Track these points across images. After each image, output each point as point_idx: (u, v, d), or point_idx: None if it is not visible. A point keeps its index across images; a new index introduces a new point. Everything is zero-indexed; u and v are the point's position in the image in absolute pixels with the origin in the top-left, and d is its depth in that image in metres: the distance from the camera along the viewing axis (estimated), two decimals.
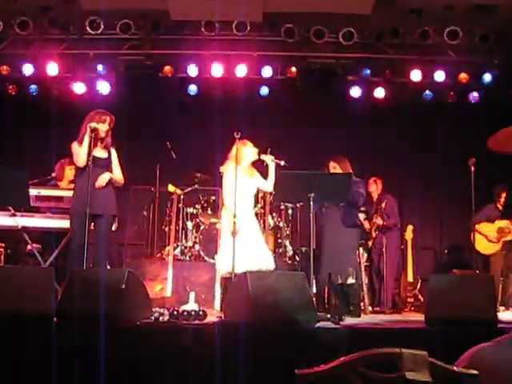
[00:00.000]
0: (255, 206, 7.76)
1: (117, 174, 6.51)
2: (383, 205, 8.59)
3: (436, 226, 10.55)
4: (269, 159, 6.77)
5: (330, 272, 6.80)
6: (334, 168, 7.03)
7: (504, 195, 8.52)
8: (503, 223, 8.26)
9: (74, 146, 6.34)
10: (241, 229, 6.48)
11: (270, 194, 7.91)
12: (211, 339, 4.44)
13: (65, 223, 6.88)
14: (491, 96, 9.54)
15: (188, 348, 4.41)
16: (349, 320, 5.79)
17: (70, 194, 6.75)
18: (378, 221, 8.57)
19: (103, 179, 6.31)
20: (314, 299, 5.13)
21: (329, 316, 5.39)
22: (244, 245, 6.46)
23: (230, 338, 4.35)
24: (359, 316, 6.59)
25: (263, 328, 4.49)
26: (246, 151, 6.85)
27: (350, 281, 6.63)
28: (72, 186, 6.91)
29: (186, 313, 4.97)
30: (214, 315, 5.76)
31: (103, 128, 6.33)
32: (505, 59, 9.34)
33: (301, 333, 4.57)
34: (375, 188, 9.01)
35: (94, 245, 6.27)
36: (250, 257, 6.44)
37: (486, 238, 8.31)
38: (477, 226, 8.06)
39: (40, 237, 7.56)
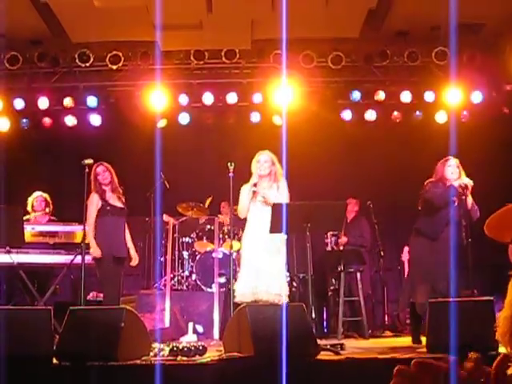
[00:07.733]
0: None
1: None
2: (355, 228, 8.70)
3: None
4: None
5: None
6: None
7: None
8: None
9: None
10: (249, 255, 6.34)
11: None
12: (211, 376, 4.42)
13: (59, 258, 6.89)
14: (481, 115, 9.58)
15: None
16: (350, 346, 5.76)
17: (64, 228, 6.75)
18: (342, 240, 8.56)
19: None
20: (314, 330, 5.09)
21: (329, 346, 5.35)
22: (253, 271, 6.22)
23: (230, 375, 4.32)
24: None
25: (264, 362, 4.45)
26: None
27: None
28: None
29: (185, 348, 4.93)
30: (213, 347, 5.72)
31: None
32: (493, 77, 9.42)
33: (302, 366, 4.54)
34: (349, 208, 8.67)
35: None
36: (258, 285, 6.15)
37: None
38: None
39: (35, 272, 7.51)
